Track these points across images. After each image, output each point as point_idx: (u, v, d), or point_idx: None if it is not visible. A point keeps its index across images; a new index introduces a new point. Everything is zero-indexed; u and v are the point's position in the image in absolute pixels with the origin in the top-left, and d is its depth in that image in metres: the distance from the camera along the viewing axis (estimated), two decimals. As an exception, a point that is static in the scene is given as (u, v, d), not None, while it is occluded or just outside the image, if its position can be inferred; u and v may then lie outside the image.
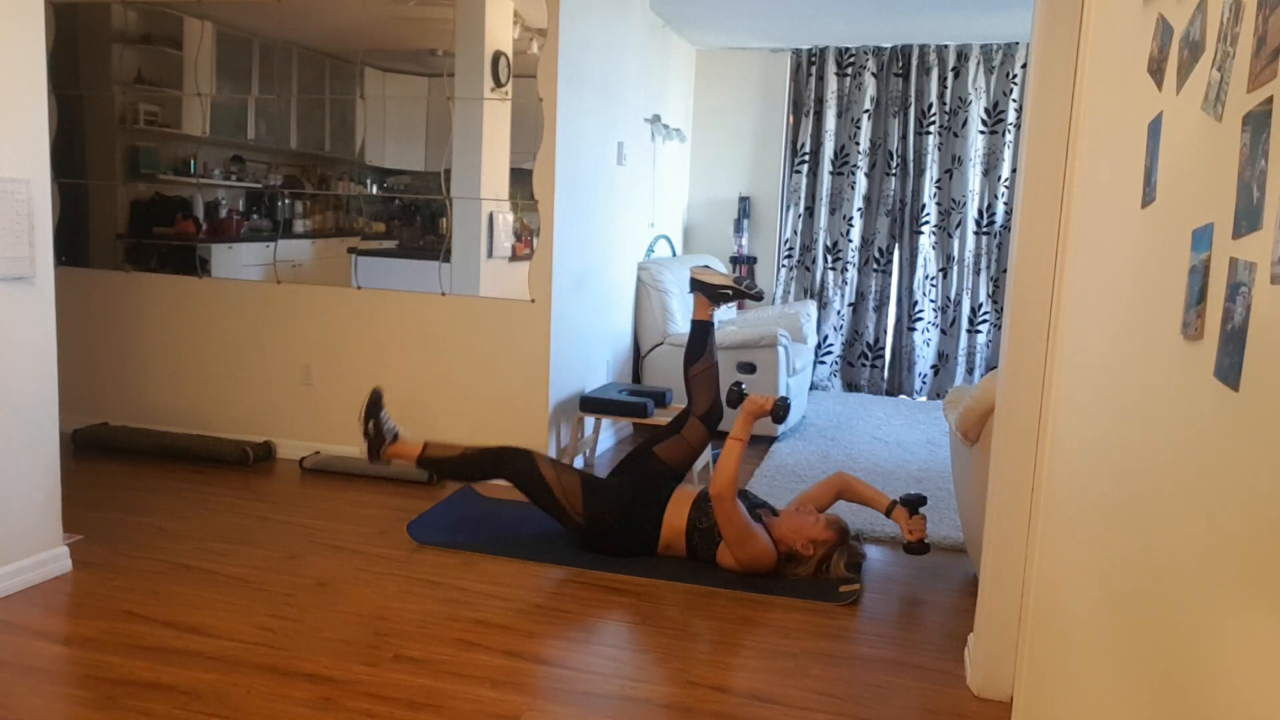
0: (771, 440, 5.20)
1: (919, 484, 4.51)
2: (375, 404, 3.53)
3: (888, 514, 3.45)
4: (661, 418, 4.43)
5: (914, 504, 3.43)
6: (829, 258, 6.71)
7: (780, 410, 3.30)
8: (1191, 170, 1.19)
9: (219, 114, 4.56)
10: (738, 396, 3.40)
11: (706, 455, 4.46)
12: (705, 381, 3.65)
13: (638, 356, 5.53)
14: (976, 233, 6.45)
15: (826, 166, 6.63)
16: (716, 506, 3.18)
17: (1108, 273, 1.68)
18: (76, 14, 4.66)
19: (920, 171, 6.48)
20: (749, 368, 5.17)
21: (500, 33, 4.13)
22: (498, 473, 3.48)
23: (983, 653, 2.51)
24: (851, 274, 6.70)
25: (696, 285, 3.71)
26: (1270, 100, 0.93)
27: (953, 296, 6.54)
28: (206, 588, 3.05)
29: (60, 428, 3.17)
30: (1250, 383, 0.94)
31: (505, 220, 4.23)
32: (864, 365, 6.73)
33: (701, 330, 3.69)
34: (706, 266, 3.91)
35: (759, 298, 3.77)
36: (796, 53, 6.65)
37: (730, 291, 3.69)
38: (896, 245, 6.62)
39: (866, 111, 6.53)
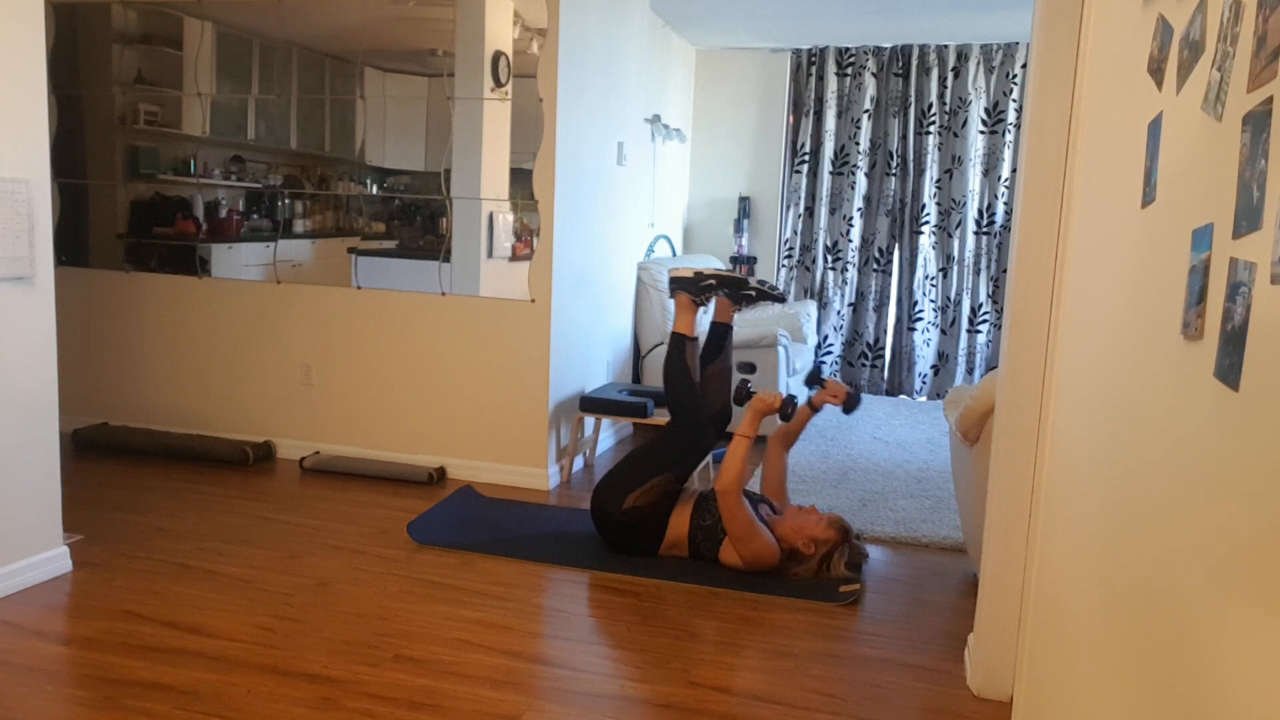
0: (771, 440, 5.20)
1: (919, 484, 4.51)
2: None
3: (811, 406, 3.56)
4: (662, 418, 4.43)
5: (814, 377, 3.55)
6: (829, 258, 6.71)
7: (788, 408, 3.33)
8: (1191, 170, 1.19)
9: (219, 114, 4.56)
10: (745, 394, 3.42)
11: (706, 457, 4.45)
12: (718, 383, 3.63)
13: (638, 356, 5.53)
14: (976, 233, 6.45)
15: (826, 166, 6.63)
16: (721, 501, 3.18)
17: (1108, 273, 1.68)
18: (76, 14, 4.66)
19: (920, 171, 6.48)
20: (749, 368, 5.18)
21: (500, 33, 4.13)
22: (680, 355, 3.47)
23: (983, 653, 2.51)
24: (851, 274, 6.70)
25: (678, 284, 3.59)
26: (1270, 100, 0.93)
27: (953, 296, 6.54)
28: (206, 588, 3.05)
29: (60, 428, 3.18)
30: (1250, 383, 0.94)
31: (505, 220, 4.23)
32: (864, 365, 6.73)
33: (719, 333, 3.65)
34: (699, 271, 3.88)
35: (763, 290, 3.61)
36: (796, 53, 6.65)
37: (713, 280, 3.57)
38: (896, 245, 6.62)
39: (866, 111, 6.53)
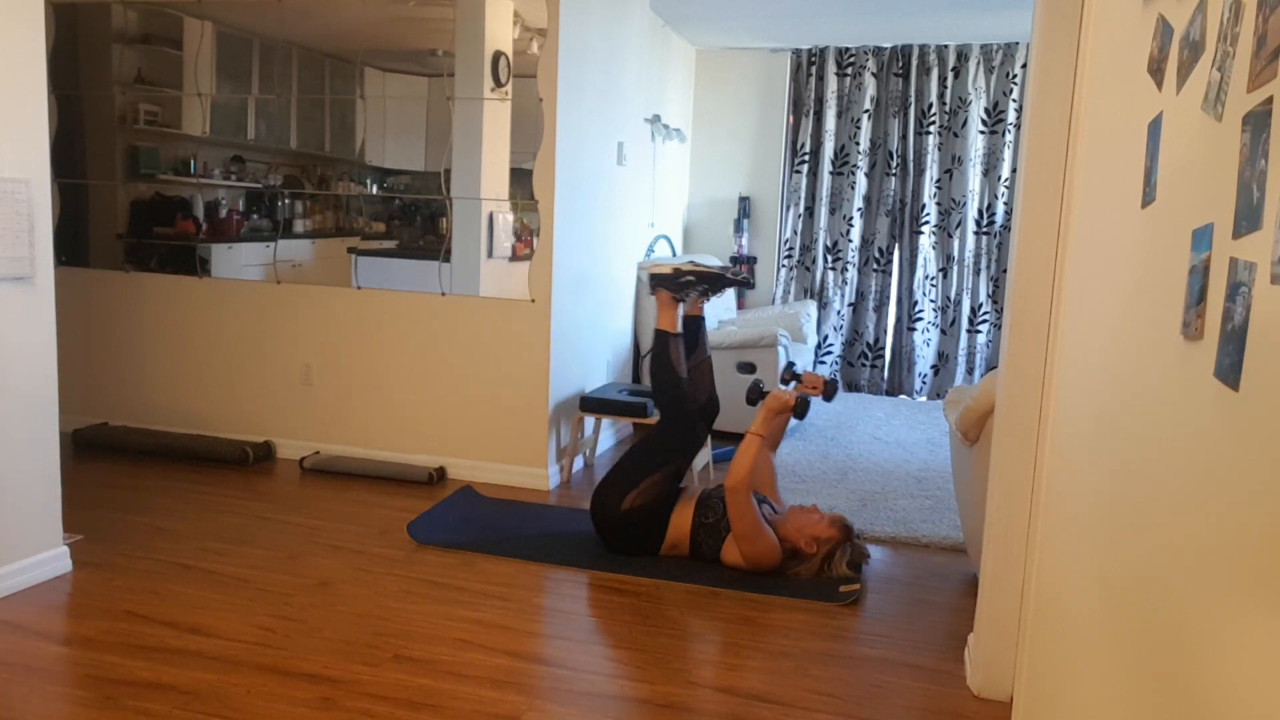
0: (771, 440, 5.20)
1: (919, 484, 4.51)
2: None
3: (795, 408, 3.46)
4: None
5: (789, 374, 3.53)
6: (829, 258, 6.71)
7: (802, 407, 3.33)
8: (1191, 170, 1.19)
9: (219, 114, 4.56)
10: (758, 394, 3.43)
11: (706, 455, 4.46)
12: (701, 375, 3.65)
13: (638, 356, 5.53)
14: (976, 233, 6.45)
15: (826, 166, 6.63)
16: (730, 499, 3.18)
17: (1108, 273, 1.68)
18: (76, 14, 4.66)
19: (920, 171, 6.48)
20: (749, 368, 5.17)
21: (500, 33, 4.13)
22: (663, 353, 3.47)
23: (983, 653, 2.51)
24: (851, 274, 6.70)
25: (658, 281, 3.58)
26: (1270, 100, 0.93)
27: (953, 296, 6.54)
28: (206, 588, 3.05)
29: (60, 428, 3.18)
30: (1250, 383, 0.94)
31: (505, 220, 4.23)
32: (864, 365, 6.73)
33: (694, 326, 3.67)
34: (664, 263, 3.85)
35: (728, 278, 3.63)
36: (796, 53, 6.64)
37: (692, 277, 3.56)
38: (896, 245, 6.62)
39: (866, 111, 6.53)
